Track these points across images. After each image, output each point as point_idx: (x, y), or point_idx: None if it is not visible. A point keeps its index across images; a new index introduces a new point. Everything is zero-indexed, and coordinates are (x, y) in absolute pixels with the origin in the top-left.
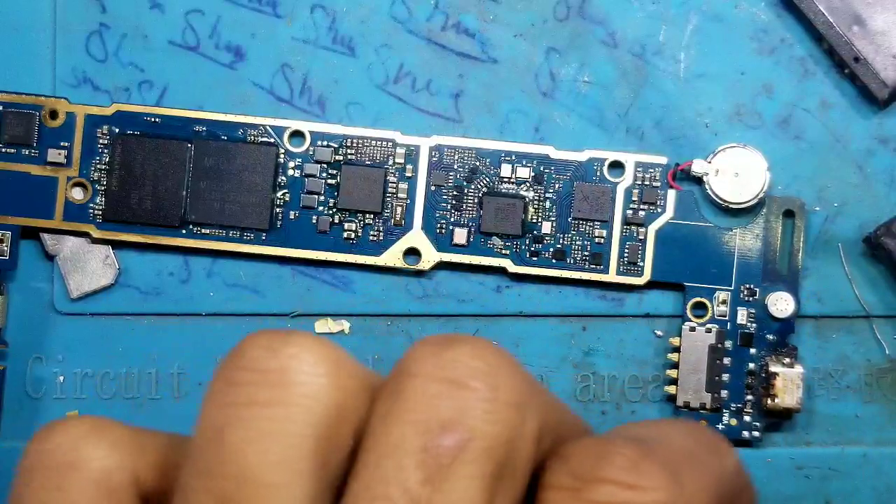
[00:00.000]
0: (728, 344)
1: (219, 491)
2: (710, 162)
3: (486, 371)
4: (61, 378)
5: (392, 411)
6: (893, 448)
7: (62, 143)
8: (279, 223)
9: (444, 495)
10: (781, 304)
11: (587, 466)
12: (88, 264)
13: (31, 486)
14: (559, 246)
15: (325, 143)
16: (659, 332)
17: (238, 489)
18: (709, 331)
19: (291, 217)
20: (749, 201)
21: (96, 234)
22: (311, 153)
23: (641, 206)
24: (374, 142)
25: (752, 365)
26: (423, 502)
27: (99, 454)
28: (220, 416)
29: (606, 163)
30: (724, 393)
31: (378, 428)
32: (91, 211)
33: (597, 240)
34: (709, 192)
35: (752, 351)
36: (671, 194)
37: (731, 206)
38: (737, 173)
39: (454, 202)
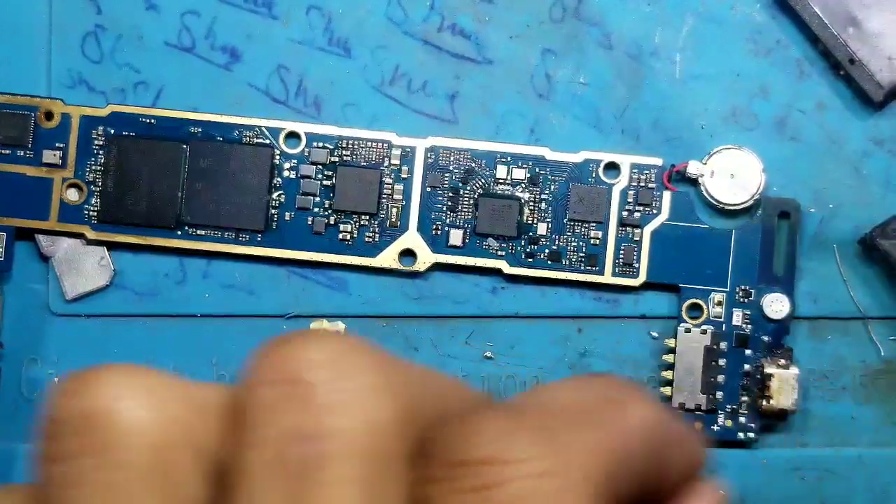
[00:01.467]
0: (723, 345)
1: None
2: (705, 163)
3: (326, 361)
4: (56, 379)
5: (238, 433)
6: (888, 449)
7: (57, 144)
8: (274, 224)
9: None
10: (777, 305)
11: (452, 449)
12: (83, 266)
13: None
14: (555, 247)
15: (320, 144)
16: (654, 334)
17: None
18: (704, 332)
19: (287, 218)
20: (744, 203)
21: (91, 235)
22: (306, 154)
23: (637, 208)
24: (369, 143)
25: (747, 366)
26: None
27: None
28: (43, 476)
29: (602, 164)
30: (719, 394)
31: (230, 457)
32: (86, 212)
33: (592, 241)
34: (704, 193)
35: (748, 352)
36: (666, 196)
37: (726, 207)
38: (732, 175)
39: (450, 203)
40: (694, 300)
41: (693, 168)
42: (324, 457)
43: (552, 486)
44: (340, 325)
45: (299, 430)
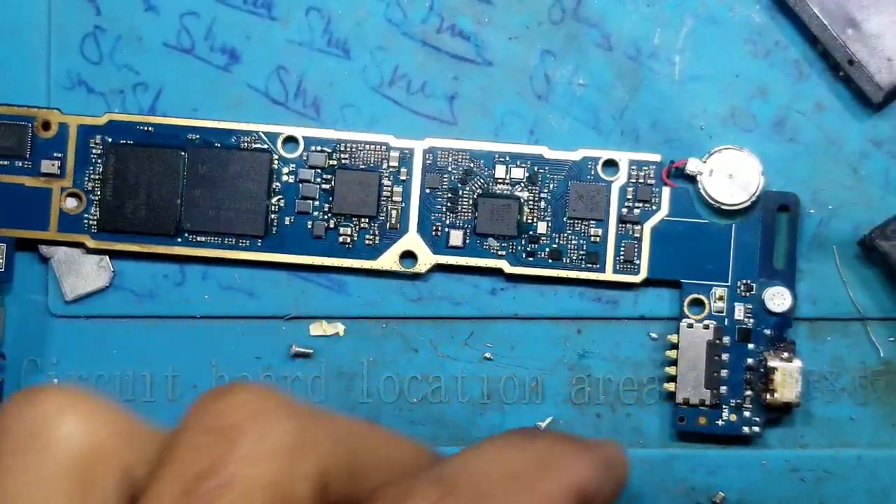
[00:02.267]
0: (726, 340)
1: None
2: (705, 161)
3: (250, 418)
4: (55, 381)
5: (161, 465)
6: (887, 450)
7: (55, 154)
8: (274, 229)
9: None
10: (778, 298)
11: None
12: (83, 267)
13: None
14: (555, 246)
15: (318, 148)
16: (654, 335)
17: None
18: (706, 327)
19: (287, 223)
20: (741, 203)
21: (91, 244)
22: (304, 158)
23: (636, 205)
24: (367, 146)
25: (750, 360)
26: None
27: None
28: None
29: (600, 161)
30: (723, 389)
31: (150, 483)
32: (86, 221)
33: (592, 239)
34: (702, 192)
35: (751, 346)
36: (666, 192)
37: (722, 207)
38: (731, 175)
39: (449, 204)
40: (695, 295)
41: (692, 165)
42: (222, 495)
43: None
44: (340, 327)
45: (211, 470)
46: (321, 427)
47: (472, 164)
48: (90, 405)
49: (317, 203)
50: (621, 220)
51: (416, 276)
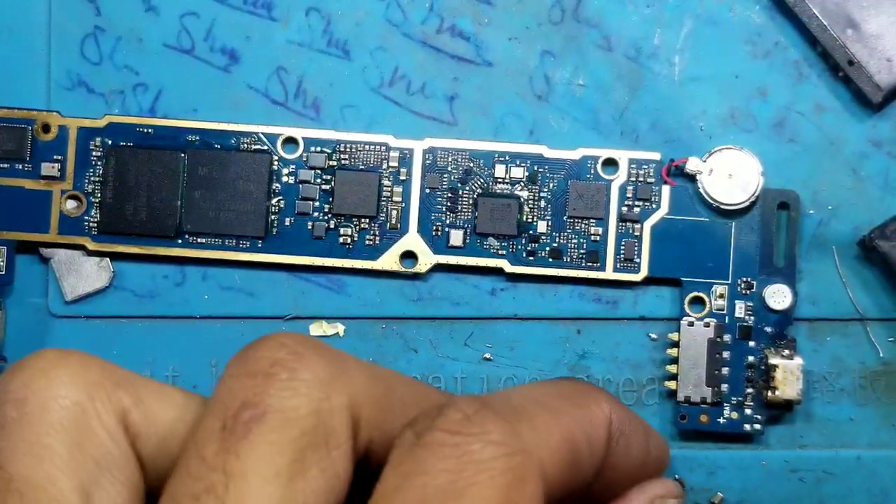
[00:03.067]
0: (727, 338)
1: None
2: (705, 161)
3: (286, 358)
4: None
5: (204, 410)
6: (887, 451)
7: (55, 157)
8: (275, 230)
9: (241, 461)
10: (779, 296)
11: (425, 423)
12: (83, 267)
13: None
14: (555, 245)
15: (318, 148)
16: (654, 336)
17: (6, 492)
18: (707, 325)
19: (287, 224)
20: (741, 203)
21: (92, 246)
22: (304, 159)
23: (636, 203)
24: (367, 146)
25: (751, 358)
26: (217, 468)
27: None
28: None
29: (600, 160)
30: (724, 387)
31: (192, 429)
32: (86, 223)
33: (593, 237)
34: (701, 191)
35: (751, 344)
36: (665, 190)
37: (721, 206)
38: (730, 174)
39: (449, 204)
40: (696, 293)
41: (692, 165)
42: (260, 422)
43: (501, 452)
44: (340, 327)
45: (247, 404)
46: (354, 364)
47: (471, 164)
48: (76, 360)
49: (317, 204)
50: (621, 219)
51: (416, 276)
